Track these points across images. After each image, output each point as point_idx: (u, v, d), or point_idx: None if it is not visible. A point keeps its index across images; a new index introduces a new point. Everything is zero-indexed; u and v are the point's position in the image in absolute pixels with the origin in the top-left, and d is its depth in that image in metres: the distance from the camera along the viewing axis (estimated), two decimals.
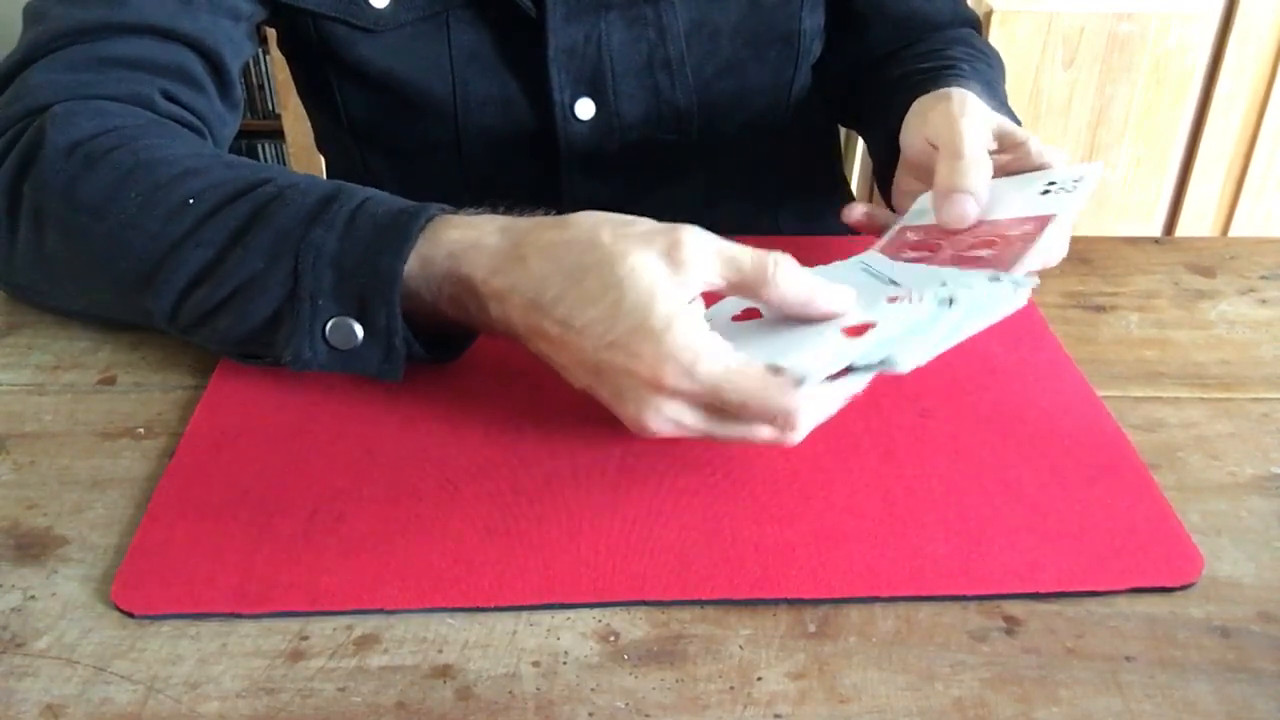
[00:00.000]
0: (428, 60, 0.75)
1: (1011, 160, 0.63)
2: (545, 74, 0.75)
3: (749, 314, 0.54)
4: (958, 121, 0.62)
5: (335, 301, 0.52)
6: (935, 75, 0.73)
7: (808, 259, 0.70)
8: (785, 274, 0.50)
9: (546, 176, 0.80)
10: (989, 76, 0.78)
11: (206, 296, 0.54)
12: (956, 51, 0.80)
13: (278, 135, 1.80)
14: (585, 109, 0.77)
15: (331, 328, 0.52)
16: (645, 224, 0.51)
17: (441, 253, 0.52)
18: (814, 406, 0.48)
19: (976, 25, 0.89)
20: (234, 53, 0.69)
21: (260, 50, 1.71)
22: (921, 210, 0.63)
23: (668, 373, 0.47)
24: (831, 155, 0.99)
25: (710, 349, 0.47)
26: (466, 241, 0.52)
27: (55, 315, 0.64)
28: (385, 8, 0.73)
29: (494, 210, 0.55)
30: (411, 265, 0.52)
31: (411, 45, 0.75)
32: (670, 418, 0.48)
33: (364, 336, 0.52)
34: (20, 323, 0.64)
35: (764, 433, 0.48)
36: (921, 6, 0.85)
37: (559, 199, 0.81)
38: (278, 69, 1.75)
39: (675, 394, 0.47)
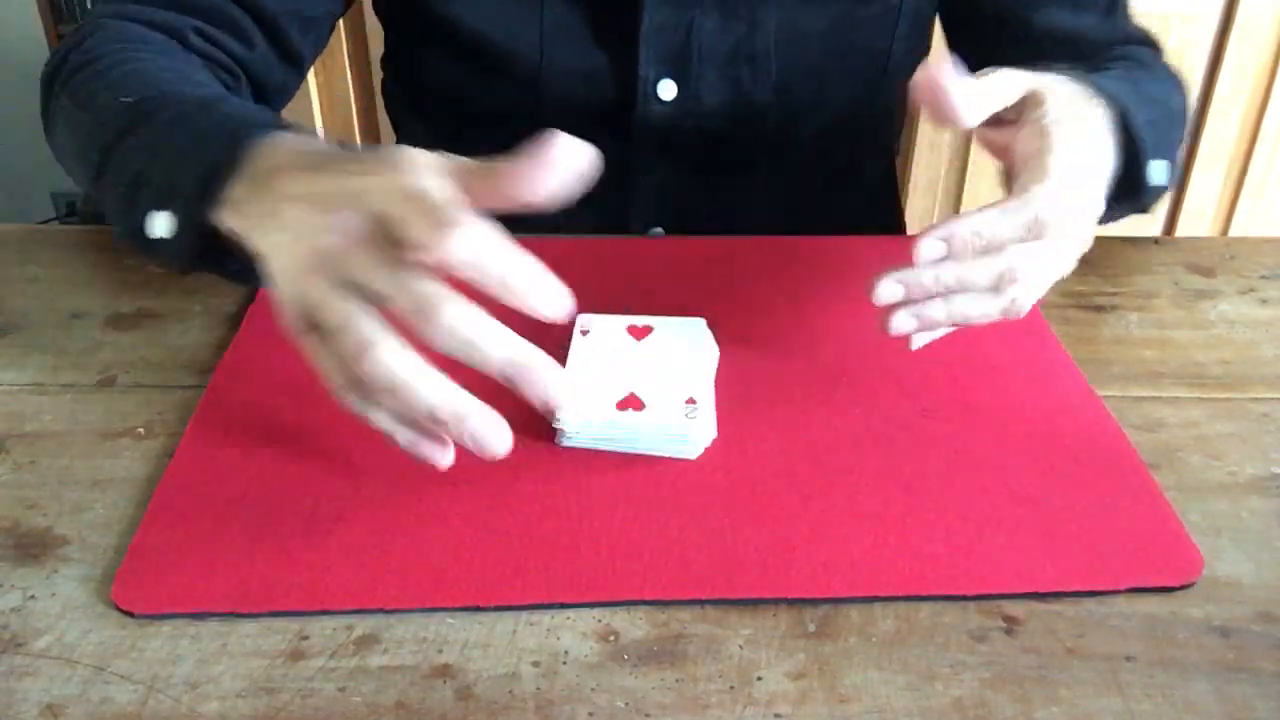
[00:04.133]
0: (517, 26, 0.76)
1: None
2: (634, 50, 0.76)
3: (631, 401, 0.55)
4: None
5: (159, 195, 0.53)
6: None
7: (834, 260, 0.70)
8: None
9: (620, 152, 0.80)
10: (1142, 84, 0.66)
11: (107, 174, 0.57)
12: (1111, 63, 0.71)
13: None
14: (668, 90, 0.78)
15: (151, 218, 0.53)
16: None
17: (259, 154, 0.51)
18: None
19: (1154, 45, 0.77)
20: (287, 10, 0.72)
21: None
22: None
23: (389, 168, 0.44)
24: (892, 171, 0.99)
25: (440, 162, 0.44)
26: (286, 141, 0.51)
27: (56, 314, 0.64)
28: None
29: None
30: (234, 176, 0.51)
31: (504, 9, 0.76)
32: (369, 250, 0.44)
33: (174, 226, 0.52)
34: (20, 323, 0.64)
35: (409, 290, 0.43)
36: (1067, 22, 0.76)
37: (630, 174, 0.82)
38: None
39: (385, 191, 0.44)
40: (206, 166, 0.51)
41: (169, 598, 0.45)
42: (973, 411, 0.56)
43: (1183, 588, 0.46)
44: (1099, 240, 0.76)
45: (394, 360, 0.43)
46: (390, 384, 0.43)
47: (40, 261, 0.70)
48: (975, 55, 0.78)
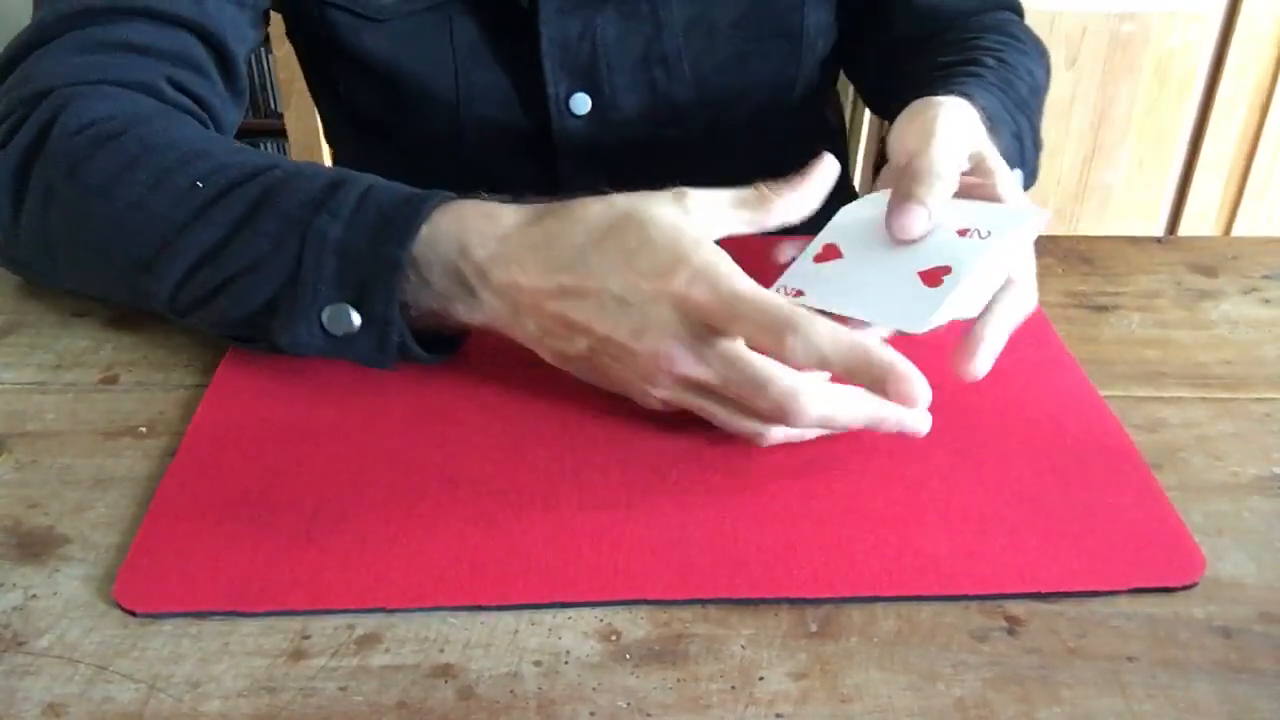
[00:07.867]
0: (430, 52, 0.75)
1: (975, 188, 0.59)
2: (539, 68, 0.76)
3: (829, 252, 0.54)
4: (933, 135, 0.58)
5: (336, 288, 0.52)
6: (948, 76, 0.69)
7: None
8: (786, 201, 0.53)
9: (546, 171, 0.81)
10: (1012, 76, 0.72)
11: (209, 278, 0.54)
12: (988, 41, 0.76)
13: (279, 134, 1.81)
14: (581, 104, 0.78)
15: (329, 314, 0.53)
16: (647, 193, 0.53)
17: (444, 231, 0.53)
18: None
19: (1017, 9, 0.84)
20: (238, 38, 0.69)
21: (263, 49, 1.71)
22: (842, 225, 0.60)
23: (697, 286, 0.48)
24: (841, 156, 0.99)
25: (735, 270, 0.49)
26: (476, 216, 0.53)
27: (57, 313, 0.64)
28: None
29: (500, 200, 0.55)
30: (415, 250, 0.52)
31: (415, 36, 0.75)
32: (691, 352, 0.49)
33: (361, 324, 0.53)
34: (22, 321, 0.64)
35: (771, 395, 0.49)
36: None
37: (558, 192, 0.81)
38: (280, 68, 1.75)
39: (697, 310, 0.49)
40: (385, 256, 0.52)
41: (171, 597, 0.45)
42: (975, 411, 0.56)
43: (1185, 588, 0.46)
44: (1101, 240, 0.76)
45: (819, 403, 0.49)
46: (821, 422, 0.49)
47: None
48: (869, 22, 0.85)
